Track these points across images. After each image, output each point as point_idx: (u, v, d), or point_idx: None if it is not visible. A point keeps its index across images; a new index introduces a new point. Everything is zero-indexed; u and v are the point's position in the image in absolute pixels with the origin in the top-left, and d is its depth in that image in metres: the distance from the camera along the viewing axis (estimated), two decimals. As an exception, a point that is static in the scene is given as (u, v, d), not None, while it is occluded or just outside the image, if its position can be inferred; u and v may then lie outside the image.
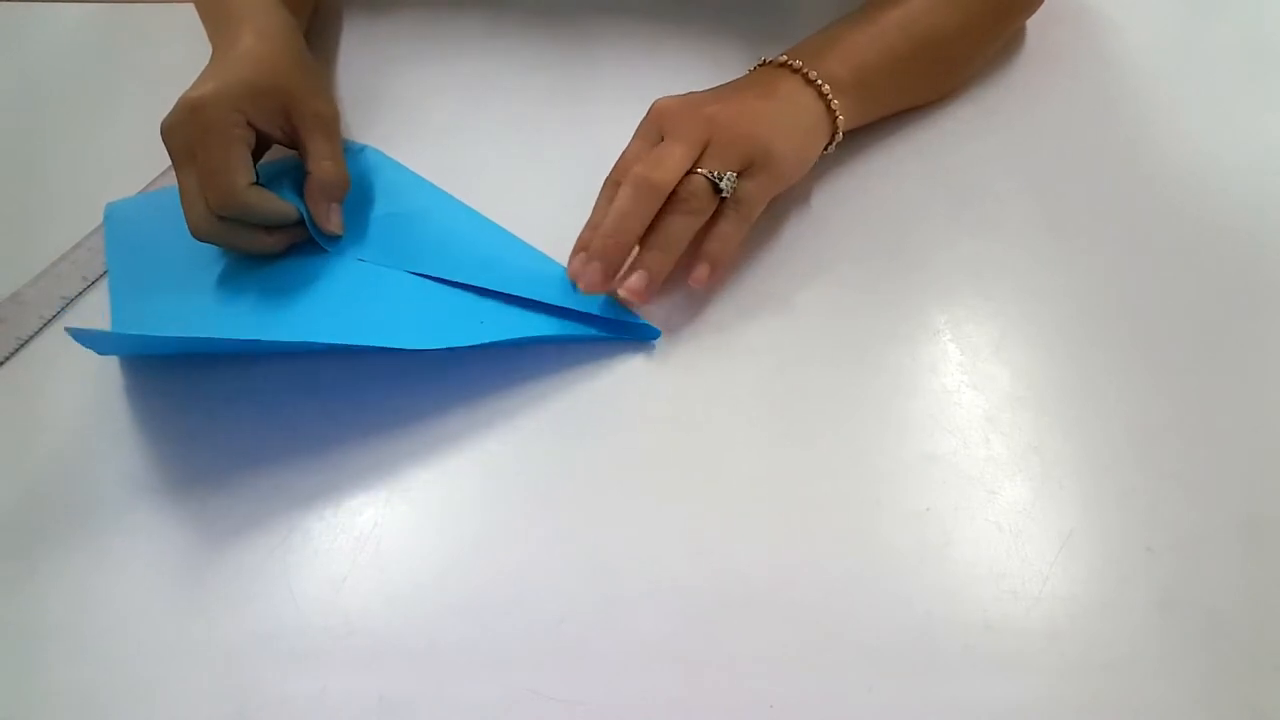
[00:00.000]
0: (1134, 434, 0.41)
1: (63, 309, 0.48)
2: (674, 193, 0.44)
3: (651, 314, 0.46)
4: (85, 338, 0.43)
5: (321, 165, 0.48)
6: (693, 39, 0.59)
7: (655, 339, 0.46)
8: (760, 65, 0.51)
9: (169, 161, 0.48)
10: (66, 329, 0.42)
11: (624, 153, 0.47)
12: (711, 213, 0.45)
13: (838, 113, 0.48)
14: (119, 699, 0.35)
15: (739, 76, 0.50)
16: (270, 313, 0.46)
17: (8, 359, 0.47)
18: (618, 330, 0.46)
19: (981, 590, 0.36)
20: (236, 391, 0.44)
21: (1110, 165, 0.52)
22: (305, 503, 0.40)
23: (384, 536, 0.39)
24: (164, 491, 0.41)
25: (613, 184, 0.46)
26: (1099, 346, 0.44)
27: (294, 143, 0.49)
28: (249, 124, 0.47)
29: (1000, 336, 0.45)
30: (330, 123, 0.50)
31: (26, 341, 0.47)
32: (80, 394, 0.45)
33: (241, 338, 0.45)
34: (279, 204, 0.47)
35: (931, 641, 0.35)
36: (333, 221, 0.48)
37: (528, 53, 0.60)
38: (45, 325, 0.48)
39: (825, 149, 0.50)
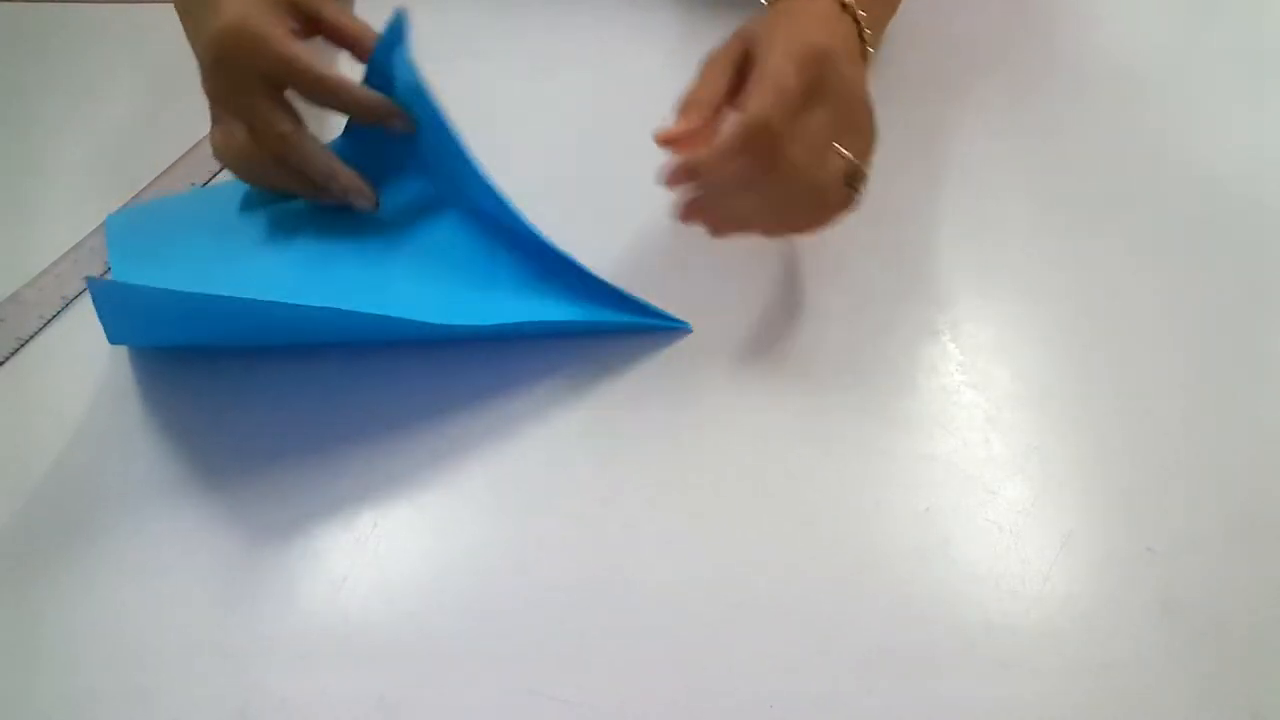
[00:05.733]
0: (1134, 434, 0.41)
1: (63, 309, 0.48)
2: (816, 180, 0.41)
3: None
4: (103, 293, 0.42)
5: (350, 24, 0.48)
6: None
7: (685, 329, 0.46)
8: None
9: (166, 163, 0.48)
10: (86, 277, 0.41)
11: (777, 94, 0.40)
12: None
13: (869, 45, 0.46)
14: (119, 699, 0.35)
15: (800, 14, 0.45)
16: (287, 288, 0.46)
17: (7, 359, 0.46)
18: (647, 321, 0.46)
19: (981, 590, 0.36)
20: (237, 392, 0.44)
21: (1110, 165, 0.52)
22: (305, 503, 0.40)
23: (384, 536, 0.39)
24: (163, 492, 0.41)
25: (763, 129, 0.39)
26: (1099, 346, 0.44)
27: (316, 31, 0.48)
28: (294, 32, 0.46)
29: (1000, 336, 0.45)
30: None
31: (26, 341, 0.47)
32: (79, 395, 0.45)
33: (263, 299, 0.43)
34: (330, 160, 0.47)
35: (931, 641, 0.35)
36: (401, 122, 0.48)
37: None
38: (45, 325, 0.48)
39: None
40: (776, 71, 0.41)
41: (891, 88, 0.57)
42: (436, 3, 0.66)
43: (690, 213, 0.43)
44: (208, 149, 0.56)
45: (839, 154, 0.41)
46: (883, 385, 0.43)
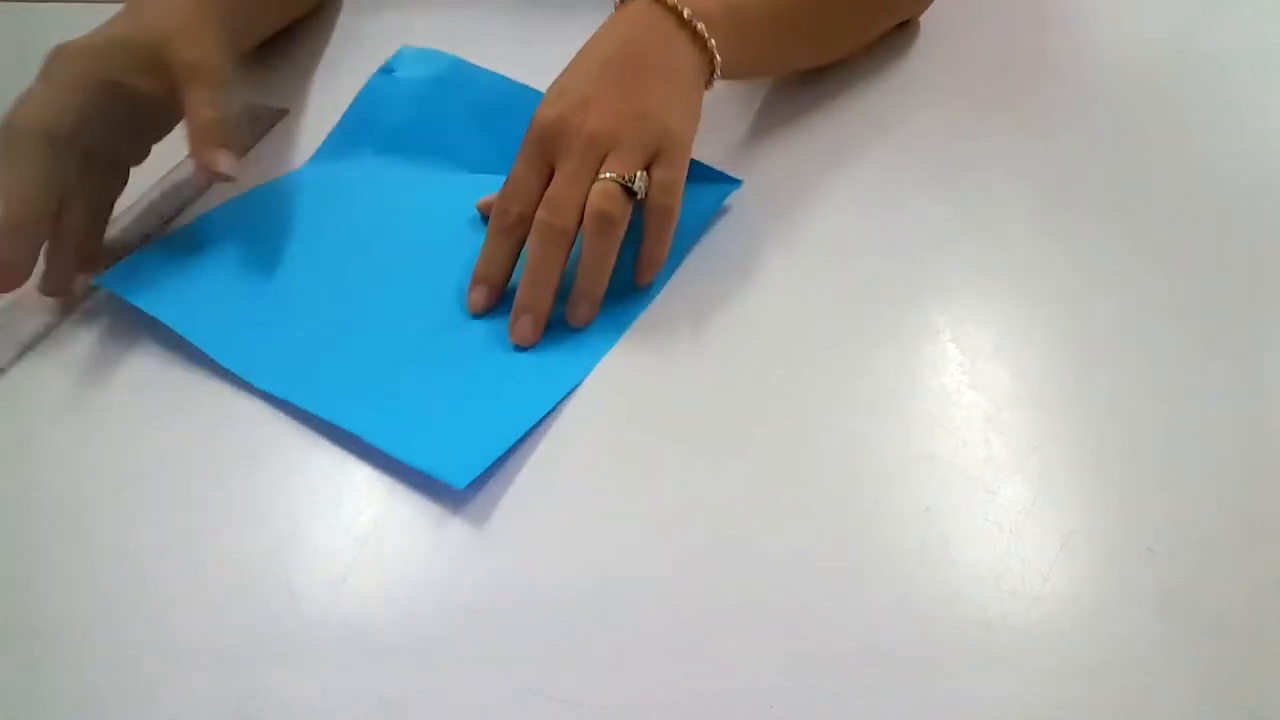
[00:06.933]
0: (1134, 434, 0.41)
1: (66, 315, 0.48)
2: (589, 205, 0.43)
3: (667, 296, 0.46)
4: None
5: (199, 114, 0.46)
6: None
7: (738, 186, 0.50)
8: None
9: (170, 164, 0.48)
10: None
11: (510, 178, 0.45)
12: (629, 213, 0.44)
13: (715, 53, 0.47)
14: (119, 699, 0.35)
15: (608, 19, 0.48)
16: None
17: (10, 365, 0.46)
18: (706, 205, 0.49)
19: (981, 590, 0.36)
20: (239, 393, 0.44)
21: (1110, 164, 0.52)
22: (305, 503, 0.40)
23: (384, 536, 0.39)
24: (162, 491, 0.41)
25: (500, 214, 0.45)
26: (1099, 346, 0.44)
27: (172, 99, 0.47)
28: (117, 82, 0.45)
29: (1000, 336, 0.45)
30: (210, 72, 0.47)
31: (29, 348, 0.47)
32: (79, 399, 0.45)
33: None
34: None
35: (931, 641, 0.35)
36: (221, 163, 0.46)
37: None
38: (49, 332, 0.47)
39: (706, 89, 0.48)
40: (513, 172, 0.45)
41: (892, 89, 0.58)
42: (439, 5, 0.66)
43: (517, 328, 0.45)
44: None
45: (601, 179, 0.43)
46: (883, 385, 0.43)
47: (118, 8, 0.51)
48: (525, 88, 0.53)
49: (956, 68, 0.59)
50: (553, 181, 0.44)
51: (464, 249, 0.48)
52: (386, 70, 0.58)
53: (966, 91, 0.57)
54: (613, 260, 0.45)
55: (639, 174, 0.44)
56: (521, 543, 0.39)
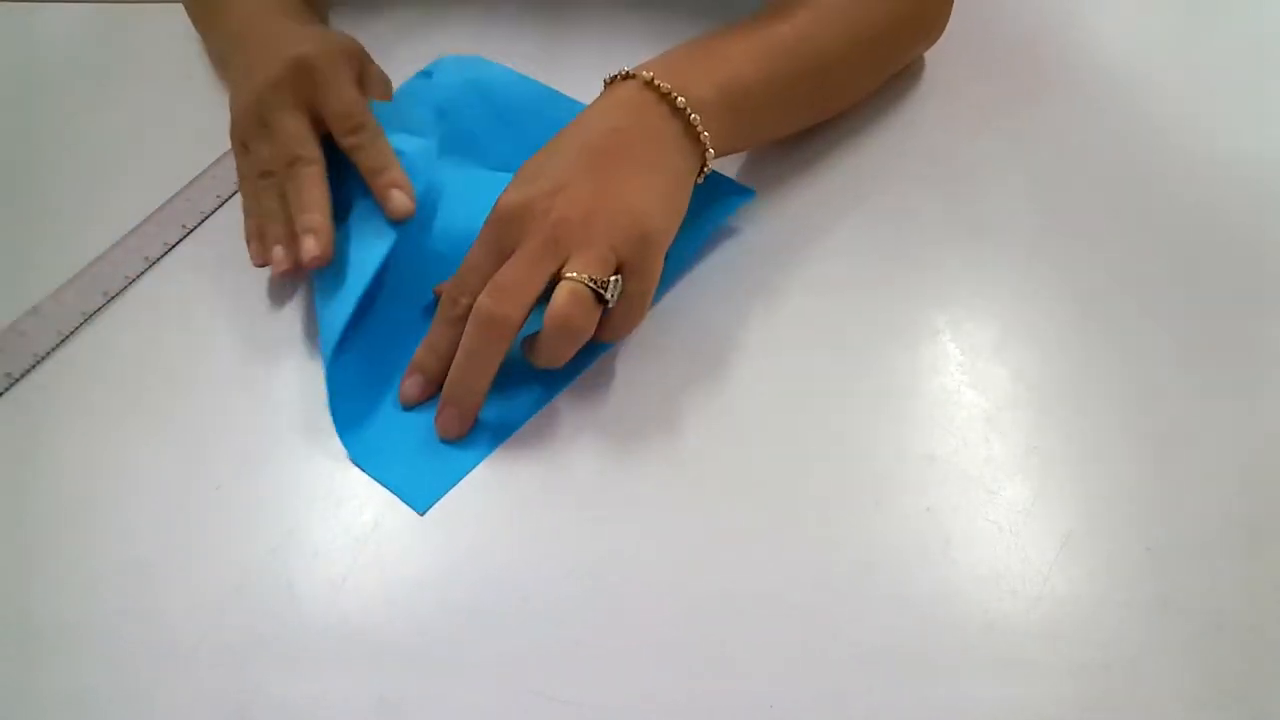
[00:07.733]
0: (1134, 434, 0.41)
1: (82, 324, 0.48)
2: (554, 306, 0.39)
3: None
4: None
5: (362, 161, 0.46)
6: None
7: (751, 197, 0.49)
8: (623, 77, 0.45)
9: (194, 172, 0.47)
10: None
11: (465, 263, 0.42)
12: (597, 321, 0.40)
13: (706, 145, 0.44)
14: (118, 699, 0.35)
15: (597, 99, 0.45)
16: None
17: (25, 374, 0.46)
18: (716, 212, 0.48)
19: (981, 590, 0.36)
20: (236, 392, 0.45)
21: (1110, 165, 0.52)
22: (305, 503, 0.41)
23: (384, 536, 0.39)
24: (162, 491, 0.41)
25: (450, 301, 0.42)
26: (1099, 346, 0.44)
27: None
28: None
29: (1000, 336, 0.45)
30: (354, 104, 0.48)
31: (44, 358, 0.47)
32: (84, 402, 0.45)
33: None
34: (316, 206, 0.45)
35: (931, 641, 0.35)
36: (401, 208, 0.45)
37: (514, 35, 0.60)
38: (63, 341, 0.47)
39: (695, 181, 0.45)
40: (468, 256, 0.42)
41: (892, 88, 0.58)
42: (439, 8, 0.66)
43: (442, 420, 0.42)
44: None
45: (570, 278, 0.39)
46: (883, 385, 0.43)
47: (118, 8, 0.51)
48: (556, 93, 0.53)
49: (956, 71, 0.59)
50: (505, 265, 0.40)
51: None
52: (425, 74, 0.58)
53: (966, 94, 0.57)
54: (565, 361, 0.41)
55: (613, 280, 0.40)
56: (522, 543, 0.39)
